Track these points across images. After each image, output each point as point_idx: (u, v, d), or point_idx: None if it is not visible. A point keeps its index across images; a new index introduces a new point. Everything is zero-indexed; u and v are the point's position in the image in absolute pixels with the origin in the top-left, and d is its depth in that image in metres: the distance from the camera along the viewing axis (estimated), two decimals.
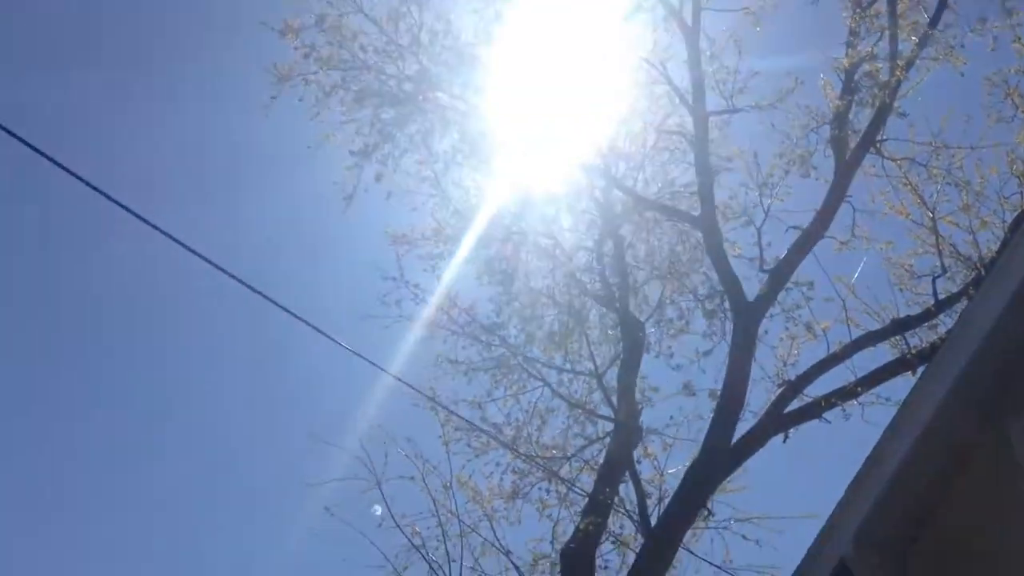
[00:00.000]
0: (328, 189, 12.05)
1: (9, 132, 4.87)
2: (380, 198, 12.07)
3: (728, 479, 10.52)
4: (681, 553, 10.16)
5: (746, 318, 10.59)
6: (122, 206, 5.71)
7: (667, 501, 10.29)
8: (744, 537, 10.70)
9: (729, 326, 11.17)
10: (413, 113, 12.03)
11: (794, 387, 10.43)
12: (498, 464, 11.64)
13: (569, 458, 11.88)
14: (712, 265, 11.33)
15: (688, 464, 10.29)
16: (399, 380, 10.32)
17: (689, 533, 10.31)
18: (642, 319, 12.05)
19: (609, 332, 12.41)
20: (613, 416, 11.32)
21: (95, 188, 5.55)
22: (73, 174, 5.36)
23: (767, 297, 10.81)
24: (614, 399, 11.42)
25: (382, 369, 8.85)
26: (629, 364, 11.40)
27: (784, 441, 10.15)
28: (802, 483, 15.17)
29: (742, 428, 10.19)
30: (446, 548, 10.92)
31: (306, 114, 11.82)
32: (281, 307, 7.13)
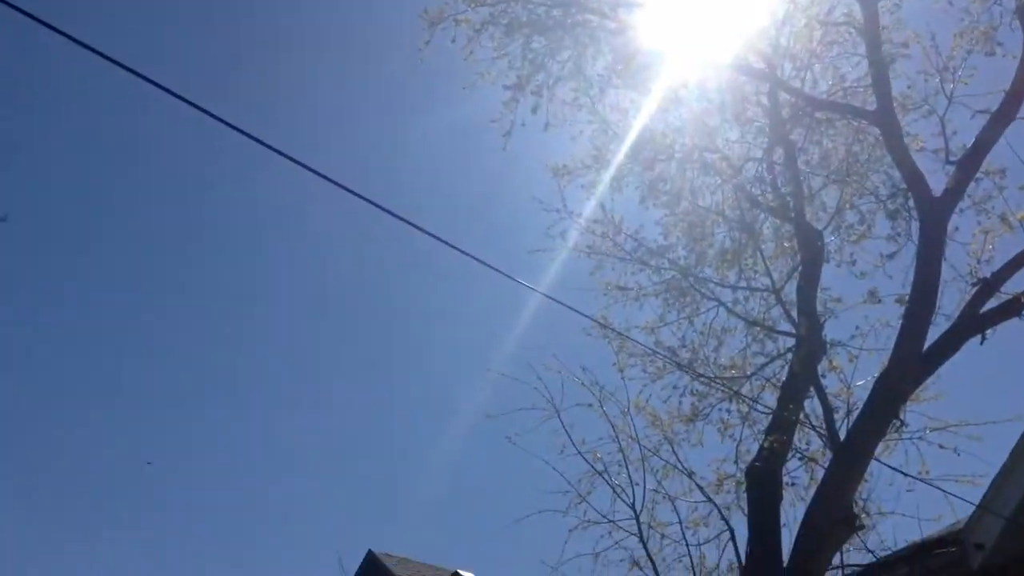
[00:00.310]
0: (486, 127, 12.07)
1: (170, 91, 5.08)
2: (538, 131, 11.96)
3: (921, 387, 9.85)
4: (873, 466, 9.64)
5: (933, 215, 9.80)
6: (286, 155, 5.92)
7: (855, 414, 9.74)
8: (941, 446, 10.07)
9: (915, 225, 10.36)
10: (564, 39, 11.74)
11: (990, 284, 9.53)
12: (675, 387, 11.44)
13: (749, 377, 11.51)
14: (893, 162, 10.53)
15: (877, 375, 9.68)
16: (572, 310, 10.28)
17: (881, 446, 9.74)
18: (820, 227, 11.41)
19: (785, 244, 11.85)
20: (794, 331, 10.83)
21: (256, 140, 5.76)
22: (234, 127, 5.56)
23: (955, 190, 9.95)
24: (794, 313, 10.92)
25: (555, 300, 8.81)
26: (808, 276, 10.84)
27: (981, 343, 9.33)
28: (1003, 386, 14.11)
29: (934, 333, 9.47)
30: (628, 472, 10.84)
31: (459, 54, 11.83)
32: (451, 246, 7.25)
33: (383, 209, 6.70)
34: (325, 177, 6.24)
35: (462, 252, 7.63)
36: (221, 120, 5.61)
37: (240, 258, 30.44)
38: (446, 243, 7.29)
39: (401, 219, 6.92)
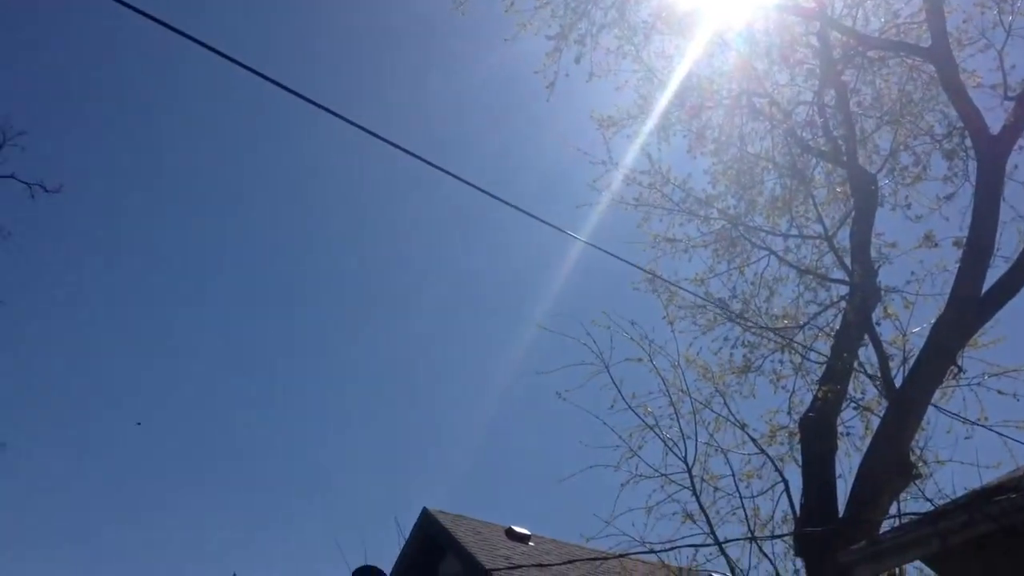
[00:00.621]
0: (529, 78, 11.88)
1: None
2: (581, 81, 11.75)
3: (979, 332, 9.54)
4: (930, 413, 9.40)
5: (991, 154, 9.43)
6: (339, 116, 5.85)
7: (911, 362, 9.49)
8: (1000, 392, 9.77)
9: (972, 165, 9.99)
10: None
11: None
12: (726, 339, 11.24)
13: (802, 326, 11.24)
14: (949, 99, 10.14)
15: (934, 321, 9.40)
16: (625, 262, 10.13)
17: (937, 393, 9.48)
18: (873, 171, 11.10)
19: (837, 189, 11.54)
20: (848, 278, 10.58)
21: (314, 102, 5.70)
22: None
23: (1014, 127, 9.52)
24: (847, 260, 10.68)
25: (608, 253, 8.65)
26: (862, 221, 10.57)
27: None
28: None
29: (992, 276, 9.15)
30: (679, 426, 10.67)
31: (500, 5, 11.63)
32: (500, 199, 7.17)
33: (429, 163, 6.64)
34: (369, 131, 6.20)
35: (512, 206, 7.58)
36: (266, 78, 5.57)
37: (284, 214, 30.85)
38: (495, 197, 7.22)
39: (447, 172, 6.85)
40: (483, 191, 7.06)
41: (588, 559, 11.64)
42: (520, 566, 12.34)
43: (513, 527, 15.41)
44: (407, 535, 15.65)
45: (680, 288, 11.30)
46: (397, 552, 15.73)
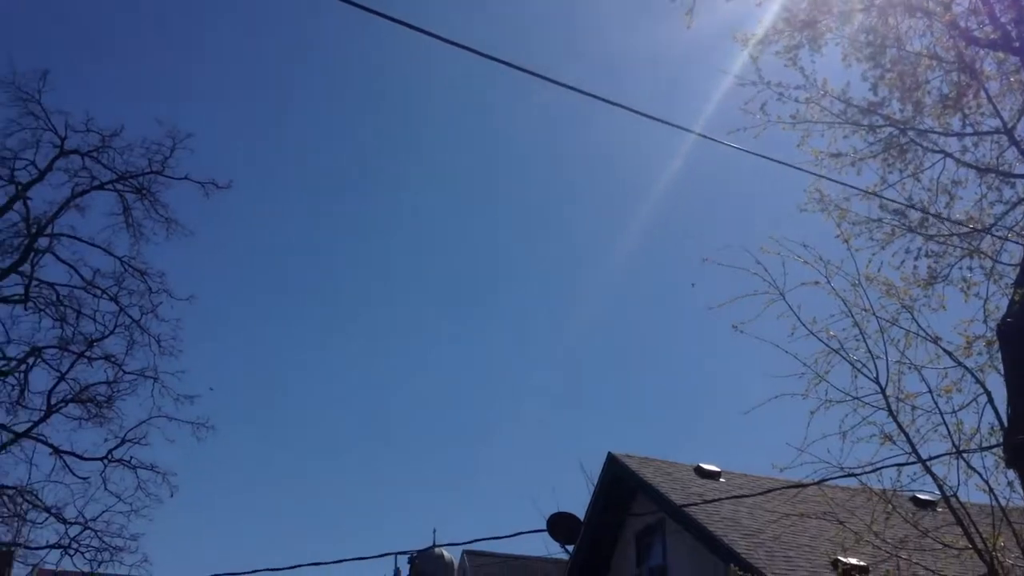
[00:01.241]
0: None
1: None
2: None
3: None
4: None
5: None
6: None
7: None
8: None
9: None
10: None
11: None
12: (908, 251, 10.75)
13: (989, 229, 10.63)
14: None
15: None
16: (809, 173, 9.84)
17: None
18: None
19: (1011, 79, 10.76)
20: None
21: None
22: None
23: None
24: None
25: (793, 167, 8.31)
26: None
27: None
28: None
29: None
30: (867, 346, 10.33)
31: None
32: (661, 120, 7.08)
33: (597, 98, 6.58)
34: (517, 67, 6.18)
35: (674, 126, 7.46)
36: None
37: (414, 141, 31.80)
38: (657, 119, 7.12)
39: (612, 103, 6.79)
40: (643, 114, 6.97)
41: (785, 487, 11.49)
42: (716, 500, 12.30)
43: (701, 464, 15.34)
44: (595, 481, 15.86)
45: (865, 192, 10.78)
46: (586, 498, 15.99)
